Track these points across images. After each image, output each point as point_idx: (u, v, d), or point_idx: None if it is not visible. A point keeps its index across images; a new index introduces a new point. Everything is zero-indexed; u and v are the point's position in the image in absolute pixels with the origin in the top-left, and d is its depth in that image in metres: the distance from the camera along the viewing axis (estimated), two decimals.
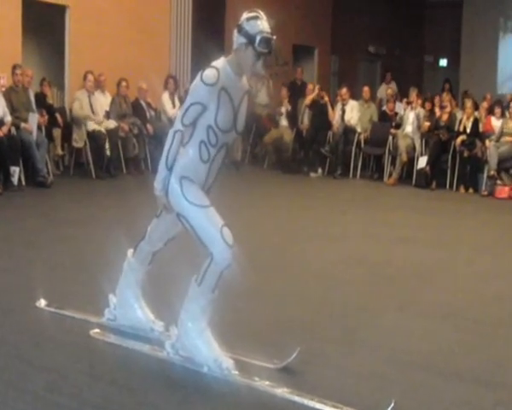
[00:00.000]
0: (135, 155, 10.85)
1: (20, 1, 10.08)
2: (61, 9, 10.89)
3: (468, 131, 10.98)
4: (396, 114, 12.31)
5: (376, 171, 12.25)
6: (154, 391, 3.27)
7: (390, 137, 11.75)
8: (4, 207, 7.86)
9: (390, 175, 11.62)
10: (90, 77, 10.42)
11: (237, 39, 3.48)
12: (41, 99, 10.19)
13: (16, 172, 8.71)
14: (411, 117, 11.60)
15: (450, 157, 10.96)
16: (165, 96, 11.50)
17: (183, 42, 12.83)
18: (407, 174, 11.55)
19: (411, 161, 11.38)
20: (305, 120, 12.72)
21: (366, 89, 12.85)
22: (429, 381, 3.55)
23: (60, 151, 10.50)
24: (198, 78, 3.45)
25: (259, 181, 11.40)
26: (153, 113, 11.42)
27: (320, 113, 12.29)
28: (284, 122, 12.88)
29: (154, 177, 3.55)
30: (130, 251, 4.03)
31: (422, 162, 11.06)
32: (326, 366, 3.69)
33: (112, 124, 10.50)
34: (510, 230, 8.19)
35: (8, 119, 8.98)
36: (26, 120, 9.26)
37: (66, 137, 10.46)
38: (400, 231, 7.52)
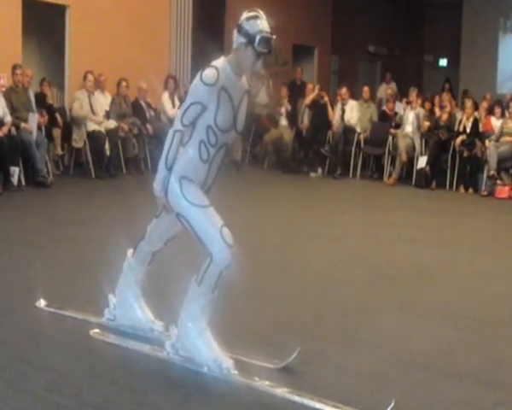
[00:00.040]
0: (135, 155, 10.84)
1: (20, 1, 10.08)
2: (61, 9, 10.89)
3: (468, 131, 10.98)
4: (396, 113, 12.31)
5: (376, 171, 12.26)
6: (154, 391, 3.27)
7: (390, 137, 11.75)
8: (4, 207, 7.86)
9: (390, 175, 11.62)
10: (90, 77, 10.42)
11: (237, 39, 3.48)
12: (41, 99, 10.19)
13: (16, 172, 8.71)
14: (411, 117, 11.61)
15: (449, 157, 10.96)
16: (165, 96, 11.50)
17: (183, 42, 12.83)
18: (407, 174, 11.55)
19: (411, 160, 11.38)
20: (305, 119, 12.72)
21: (366, 89, 12.85)
22: (429, 381, 3.55)
23: (60, 151, 10.49)
24: (197, 77, 3.45)
25: (259, 181, 11.40)
26: (153, 113, 11.42)
27: (320, 113, 12.29)
28: (284, 122, 12.88)
29: (153, 177, 3.54)
30: (129, 251, 4.03)
31: (422, 162, 11.06)
32: (326, 366, 3.69)
33: (112, 124, 10.50)
34: (510, 230, 8.19)
35: (8, 119, 8.98)
36: (25, 120, 9.26)
37: (66, 137, 10.46)
38: (400, 231, 7.52)
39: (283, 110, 12.91)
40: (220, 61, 3.52)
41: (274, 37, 3.47)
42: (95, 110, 10.44)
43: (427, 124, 11.45)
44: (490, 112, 11.76)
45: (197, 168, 3.53)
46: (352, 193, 10.71)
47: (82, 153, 10.53)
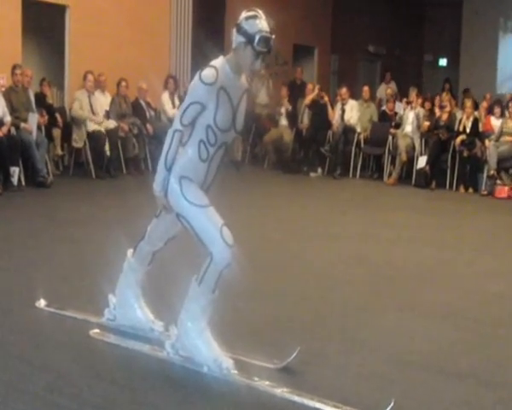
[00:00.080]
0: (135, 155, 10.84)
1: (20, 1, 10.08)
2: (61, 9, 10.89)
3: (468, 130, 10.99)
4: (396, 113, 12.31)
5: (376, 170, 12.27)
6: (154, 391, 3.27)
7: (390, 137, 11.76)
8: (4, 208, 7.86)
9: (390, 175, 11.62)
10: (90, 77, 10.41)
11: (236, 38, 3.48)
12: (41, 99, 10.19)
13: (16, 172, 8.71)
14: (411, 117, 11.61)
15: (449, 157, 10.97)
16: (165, 96, 11.50)
17: (183, 42, 12.83)
18: (407, 174, 11.55)
19: (411, 160, 11.39)
20: (305, 119, 12.73)
21: (366, 89, 12.86)
22: (429, 381, 3.55)
23: (59, 151, 10.49)
24: (197, 77, 3.45)
25: (259, 181, 11.40)
26: (152, 113, 11.42)
27: (320, 112, 12.30)
28: (284, 122, 12.88)
29: (153, 177, 3.54)
30: (129, 251, 4.03)
31: (422, 162, 11.07)
32: (326, 366, 3.69)
33: (112, 124, 10.50)
34: (510, 230, 8.19)
35: (8, 119, 8.97)
36: (25, 120, 9.25)
37: (66, 137, 10.46)
38: (400, 230, 7.52)
39: (283, 110, 12.91)
40: (219, 61, 3.52)
41: (273, 36, 3.47)
42: (95, 110, 10.44)
43: (426, 124, 11.45)
44: (489, 112, 11.77)
45: (197, 168, 3.53)
46: (351, 193, 10.71)
47: (82, 153, 10.52)
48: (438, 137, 11.11)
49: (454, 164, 10.94)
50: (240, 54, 3.48)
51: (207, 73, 3.42)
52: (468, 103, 11.24)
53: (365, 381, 3.52)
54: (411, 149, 11.42)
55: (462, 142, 10.85)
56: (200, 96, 3.43)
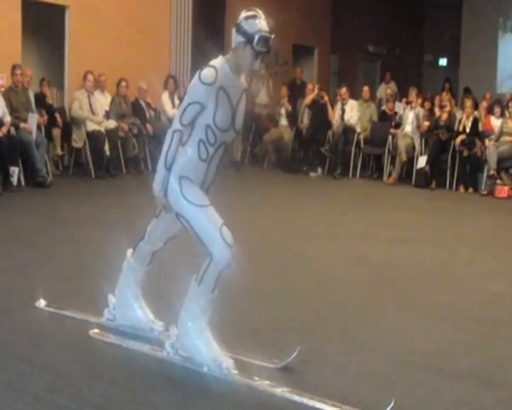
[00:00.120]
0: (134, 155, 10.85)
1: (20, 1, 10.08)
2: (61, 9, 10.89)
3: (468, 130, 10.98)
4: (395, 113, 12.31)
5: (376, 170, 12.27)
6: (154, 391, 3.27)
7: (389, 137, 11.75)
8: (4, 208, 7.86)
9: (389, 175, 11.62)
10: (90, 77, 10.41)
11: (236, 38, 3.48)
12: (40, 99, 10.19)
13: (15, 172, 8.71)
14: (411, 117, 11.61)
15: (449, 157, 10.97)
16: (165, 96, 11.50)
17: (182, 42, 12.83)
18: (406, 174, 11.55)
19: (411, 160, 11.39)
20: (305, 119, 12.73)
21: (366, 88, 12.86)
22: (429, 381, 3.54)
23: (59, 151, 10.49)
24: (196, 77, 3.45)
25: (259, 181, 11.40)
26: (152, 113, 11.42)
27: (320, 112, 12.30)
28: (284, 122, 12.88)
29: (153, 177, 3.54)
30: (129, 251, 4.03)
31: (422, 162, 11.06)
32: (326, 366, 3.69)
33: (111, 124, 10.50)
34: (510, 229, 8.19)
35: (8, 119, 8.97)
36: (25, 120, 9.25)
37: (66, 137, 10.45)
38: (400, 230, 7.52)
39: (283, 110, 12.90)
40: (219, 61, 3.52)
41: (273, 36, 3.47)
42: (94, 110, 10.44)
43: (426, 124, 11.45)
44: (489, 111, 11.77)
45: (196, 168, 3.53)
46: (351, 193, 10.71)
47: (82, 153, 10.52)
48: (438, 137, 11.11)
49: (454, 164, 10.94)
50: (239, 54, 3.48)
51: (207, 72, 3.42)
52: (468, 103, 11.24)
53: (365, 381, 3.52)
54: (411, 148, 11.42)
55: (462, 142, 10.84)
56: (200, 96, 3.43)
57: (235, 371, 3.45)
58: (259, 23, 3.44)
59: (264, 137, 12.79)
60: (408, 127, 11.60)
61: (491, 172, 10.46)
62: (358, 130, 12.10)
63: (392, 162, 11.71)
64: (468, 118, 11.10)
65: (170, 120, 10.52)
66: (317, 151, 12.24)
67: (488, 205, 9.88)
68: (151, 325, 3.97)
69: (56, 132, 10.29)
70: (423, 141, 11.46)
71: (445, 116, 11.41)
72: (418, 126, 11.48)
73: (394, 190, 10.95)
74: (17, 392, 3.18)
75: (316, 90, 12.43)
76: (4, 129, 8.81)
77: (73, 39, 10.95)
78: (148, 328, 3.96)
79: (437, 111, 11.92)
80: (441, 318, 4.62)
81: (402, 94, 13.68)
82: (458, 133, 11.00)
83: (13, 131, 8.99)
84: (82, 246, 6.11)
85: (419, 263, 6.11)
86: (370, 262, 6.05)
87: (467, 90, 15.27)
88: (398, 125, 11.85)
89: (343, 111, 12.20)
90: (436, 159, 11.05)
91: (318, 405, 3.18)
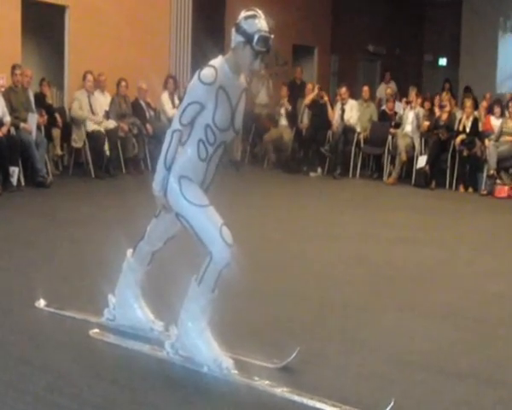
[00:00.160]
0: (134, 154, 10.85)
1: (20, 1, 10.08)
2: (61, 9, 10.89)
3: (468, 130, 10.98)
4: (395, 113, 12.31)
5: (376, 170, 12.27)
6: (154, 391, 3.27)
7: (389, 137, 11.75)
8: (4, 208, 7.86)
9: (389, 174, 11.62)
10: (90, 77, 10.41)
11: (235, 38, 3.48)
12: (40, 99, 10.19)
13: (15, 172, 8.71)
14: (411, 116, 11.61)
15: (449, 156, 10.97)
16: (165, 96, 11.50)
17: (183, 42, 12.83)
18: (406, 174, 11.55)
19: (411, 160, 11.39)
20: (305, 119, 12.73)
21: (366, 88, 12.86)
22: (429, 381, 3.55)
23: (59, 151, 10.49)
24: (196, 77, 3.45)
25: (259, 181, 11.40)
26: (152, 113, 11.42)
27: (320, 112, 12.29)
28: (284, 122, 12.88)
29: (153, 177, 3.54)
30: (129, 251, 4.03)
31: (422, 162, 11.06)
32: (326, 366, 3.69)
33: (111, 124, 10.50)
34: (510, 229, 8.19)
35: (8, 119, 8.97)
36: (25, 120, 9.25)
37: (66, 137, 10.45)
38: (400, 230, 7.52)
39: (283, 110, 12.90)
40: (218, 61, 3.52)
41: (272, 36, 3.47)
42: (94, 110, 10.44)
43: (426, 123, 11.45)
44: (489, 111, 11.77)
45: (196, 167, 3.53)
46: (351, 193, 10.71)
47: (81, 153, 10.53)
48: (437, 137, 11.11)
49: (454, 164, 10.94)
50: (239, 53, 3.48)
51: (206, 72, 3.42)
52: (468, 103, 11.24)
53: (365, 381, 3.52)
54: (411, 148, 11.42)
55: (462, 141, 10.84)
56: (199, 96, 3.43)
57: (235, 371, 3.45)
58: (259, 23, 3.44)
59: (264, 137, 12.78)
60: (408, 127, 11.60)
61: (491, 171, 10.46)
62: (358, 130, 12.10)
63: (392, 162, 11.71)
64: (467, 118, 11.09)
65: (170, 120, 10.51)
66: (316, 151, 12.24)
67: (488, 205, 9.88)
68: (151, 325, 3.97)
69: (56, 132, 10.29)
70: (423, 141, 11.46)
71: (444, 116, 11.41)
72: (418, 126, 11.48)
73: (394, 190, 10.95)
74: (17, 392, 3.18)
75: (316, 90, 12.43)
76: (4, 129, 8.81)
77: (73, 39, 10.95)
78: (148, 328, 3.96)
79: (437, 111, 11.92)
80: (441, 317, 4.62)
81: (402, 94, 13.69)
82: (458, 133, 11.00)
83: (13, 131, 8.99)
84: (82, 246, 6.11)
85: (419, 263, 6.11)
86: (370, 262, 6.05)
87: (467, 89, 15.26)
88: (398, 125, 11.85)
89: (343, 111, 12.20)
90: (436, 159, 11.05)
91: (318, 405, 3.18)
